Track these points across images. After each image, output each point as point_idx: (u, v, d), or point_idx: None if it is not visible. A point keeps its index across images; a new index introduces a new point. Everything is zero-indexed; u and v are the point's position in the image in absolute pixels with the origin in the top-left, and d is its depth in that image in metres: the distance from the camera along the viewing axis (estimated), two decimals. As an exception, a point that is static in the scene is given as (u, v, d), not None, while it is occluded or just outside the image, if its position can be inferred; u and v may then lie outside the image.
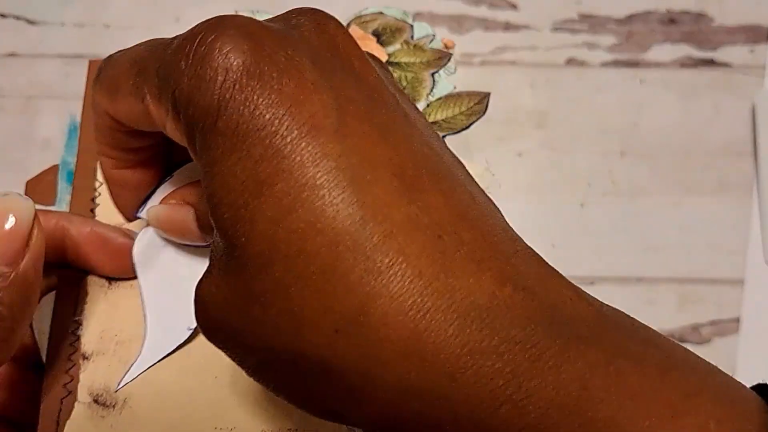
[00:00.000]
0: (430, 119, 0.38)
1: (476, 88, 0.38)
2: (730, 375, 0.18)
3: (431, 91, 0.39)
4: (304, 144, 0.18)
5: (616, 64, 0.38)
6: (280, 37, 0.20)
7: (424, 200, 0.18)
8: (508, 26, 0.38)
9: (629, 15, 0.39)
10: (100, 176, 0.33)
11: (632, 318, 0.19)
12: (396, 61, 0.39)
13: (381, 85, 0.20)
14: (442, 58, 0.39)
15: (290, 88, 0.19)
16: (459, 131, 0.38)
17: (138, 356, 0.29)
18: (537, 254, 0.19)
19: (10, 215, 0.25)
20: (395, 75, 0.38)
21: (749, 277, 0.36)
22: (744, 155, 0.37)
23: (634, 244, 0.36)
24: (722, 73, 0.38)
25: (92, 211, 0.32)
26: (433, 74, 0.38)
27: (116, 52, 0.24)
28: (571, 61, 0.38)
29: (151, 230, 0.29)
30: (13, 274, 0.24)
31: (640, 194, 0.37)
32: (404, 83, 0.38)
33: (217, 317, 0.20)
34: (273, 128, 0.18)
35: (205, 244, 0.28)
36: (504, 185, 0.37)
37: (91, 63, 0.36)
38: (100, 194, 0.33)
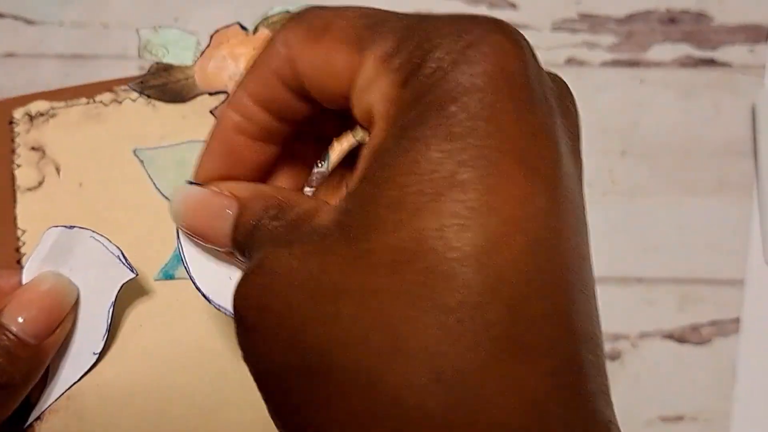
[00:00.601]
0: None
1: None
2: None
3: None
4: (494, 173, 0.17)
5: (616, 63, 0.38)
6: (547, 87, 0.19)
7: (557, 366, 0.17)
8: (507, 26, 0.38)
9: (629, 14, 0.39)
10: (21, 223, 0.33)
11: None
12: None
13: (579, 191, 0.20)
14: None
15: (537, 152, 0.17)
16: None
17: (43, 390, 0.28)
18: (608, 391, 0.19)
19: (58, 296, 0.27)
20: None
21: (749, 277, 0.36)
22: (744, 155, 0.37)
23: (634, 244, 0.36)
24: (722, 72, 0.38)
25: (18, 261, 0.32)
26: None
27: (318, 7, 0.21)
28: (570, 61, 0.38)
29: (43, 252, 0.28)
30: (36, 348, 0.26)
31: (640, 194, 0.37)
32: None
33: (282, 296, 0.18)
34: (495, 160, 0.17)
35: (222, 253, 0.24)
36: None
37: None
38: (24, 243, 0.33)
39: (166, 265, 0.33)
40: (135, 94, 0.36)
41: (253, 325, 0.19)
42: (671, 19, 0.39)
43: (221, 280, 0.26)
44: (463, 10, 0.39)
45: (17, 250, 0.32)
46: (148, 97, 0.36)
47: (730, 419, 0.34)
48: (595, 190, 0.37)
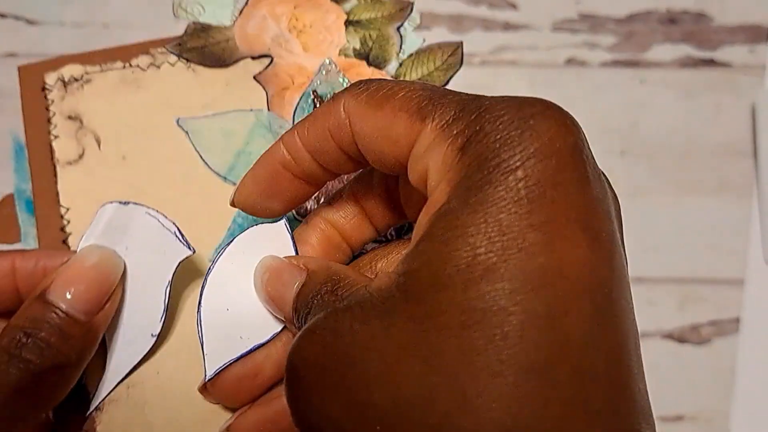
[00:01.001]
0: (405, 79, 0.35)
1: (476, 88, 0.38)
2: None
3: (400, 48, 0.36)
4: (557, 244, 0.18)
5: (616, 64, 0.38)
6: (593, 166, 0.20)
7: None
8: (507, 26, 0.38)
9: (629, 15, 0.39)
10: (64, 201, 0.31)
11: None
12: (356, 19, 0.36)
13: (626, 265, 0.20)
14: (403, 9, 0.36)
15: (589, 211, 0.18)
16: None
17: (103, 376, 0.27)
18: None
19: (104, 269, 0.26)
20: (358, 35, 0.36)
21: (749, 277, 0.36)
22: (744, 155, 0.37)
23: (634, 244, 0.36)
24: (722, 72, 0.38)
25: (65, 242, 0.31)
26: (398, 29, 0.36)
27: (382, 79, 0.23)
28: (571, 61, 0.38)
29: (98, 230, 0.27)
30: (87, 324, 0.25)
31: (640, 194, 0.37)
32: (369, 43, 0.35)
33: (344, 355, 0.19)
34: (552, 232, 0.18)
35: (275, 327, 0.26)
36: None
37: (21, 69, 0.34)
38: (69, 222, 0.31)
39: (221, 245, 0.31)
40: (173, 58, 0.34)
41: (312, 382, 0.19)
42: (671, 19, 0.39)
43: (221, 310, 0.26)
44: (463, 10, 0.39)
45: (62, 229, 0.31)
46: (188, 60, 0.34)
47: (730, 419, 0.34)
48: (595, 190, 0.37)
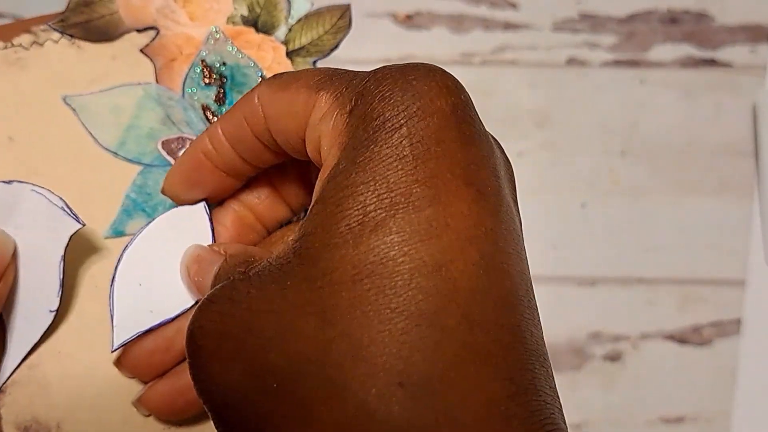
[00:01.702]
0: (295, 46, 0.35)
1: (477, 87, 0.38)
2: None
3: (289, 12, 0.35)
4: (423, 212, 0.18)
5: (617, 63, 0.38)
6: (487, 139, 0.20)
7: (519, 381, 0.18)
8: (508, 26, 0.38)
9: (630, 15, 0.39)
10: None
11: None
12: None
13: (517, 220, 0.21)
14: None
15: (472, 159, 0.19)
16: (329, 53, 0.36)
17: (4, 355, 0.27)
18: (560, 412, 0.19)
19: None
20: (246, 2, 0.35)
21: (750, 277, 0.36)
22: (745, 155, 0.37)
23: (634, 244, 0.36)
24: (723, 73, 0.38)
25: None
26: None
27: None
28: (571, 61, 0.38)
29: None
30: None
31: (640, 194, 0.37)
32: (257, 9, 0.35)
33: (241, 321, 0.19)
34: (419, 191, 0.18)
35: (186, 304, 0.26)
36: (504, 185, 0.37)
37: None
38: None
39: (115, 221, 0.31)
40: (57, 35, 0.33)
41: (211, 351, 0.20)
42: (672, 19, 0.39)
43: (133, 284, 0.27)
44: (463, 10, 0.39)
45: None
46: (72, 36, 0.33)
47: (731, 420, 0.34)
48: (595, 190, 0.37)
